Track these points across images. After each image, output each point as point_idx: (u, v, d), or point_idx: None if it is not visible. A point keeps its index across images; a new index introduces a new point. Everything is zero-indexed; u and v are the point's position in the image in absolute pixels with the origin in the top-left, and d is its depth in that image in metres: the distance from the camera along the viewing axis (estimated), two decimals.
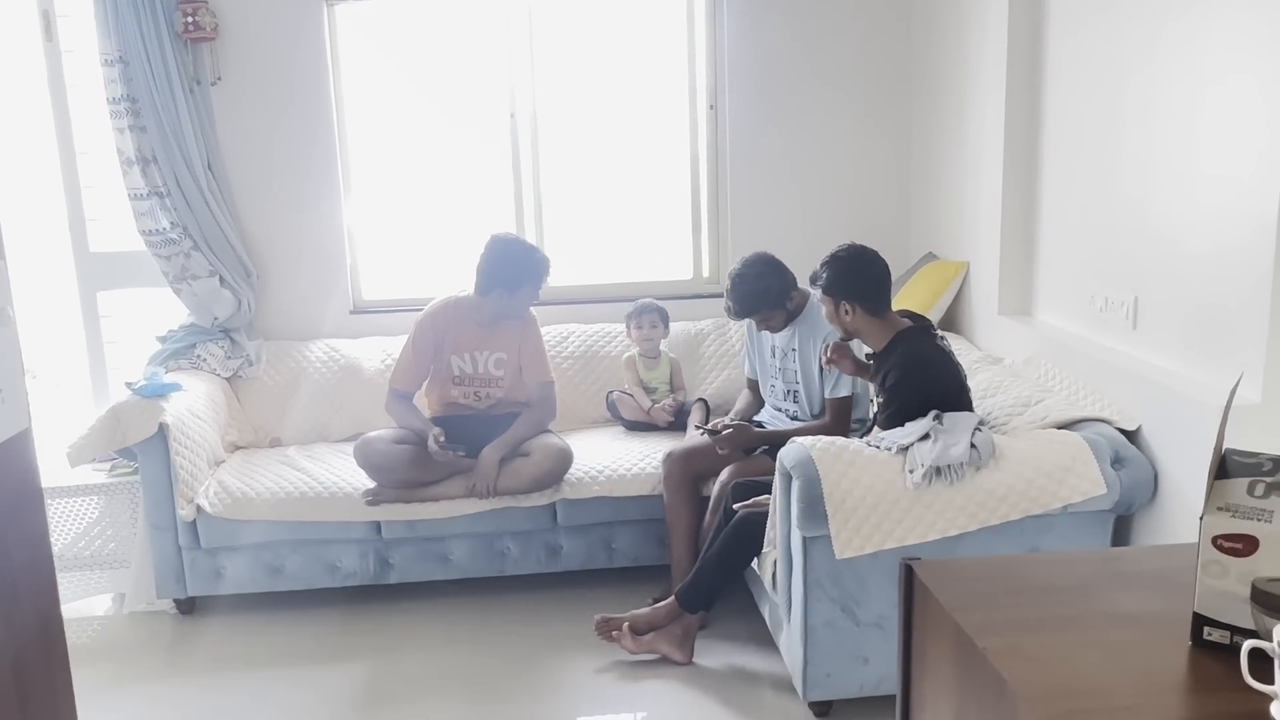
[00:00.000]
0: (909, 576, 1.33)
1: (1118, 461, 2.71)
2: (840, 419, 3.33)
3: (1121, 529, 2.83)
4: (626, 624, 3.14)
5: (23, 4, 3.90)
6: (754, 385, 3.69)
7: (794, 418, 3.46)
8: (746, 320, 3.57)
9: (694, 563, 3.31)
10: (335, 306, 4.20)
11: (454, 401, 3.69)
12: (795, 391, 3.45)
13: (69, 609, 3.69)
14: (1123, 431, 2.78)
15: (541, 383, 3.69)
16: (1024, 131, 3.41)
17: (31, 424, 1.26)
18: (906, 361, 2.87)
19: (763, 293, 3.32)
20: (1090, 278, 3.10)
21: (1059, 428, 2.82)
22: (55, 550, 3.61)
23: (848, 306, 2.95)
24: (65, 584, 3.65)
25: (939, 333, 3.02)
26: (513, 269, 3.53)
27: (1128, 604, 1.24)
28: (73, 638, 3.51)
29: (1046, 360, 3.21)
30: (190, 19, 3.78)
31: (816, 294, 3.06)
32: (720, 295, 4.26)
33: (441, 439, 3.44)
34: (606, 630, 3.18)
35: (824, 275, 2.99)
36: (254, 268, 4.05)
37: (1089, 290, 3.10)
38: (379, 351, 4.07)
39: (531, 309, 3.73)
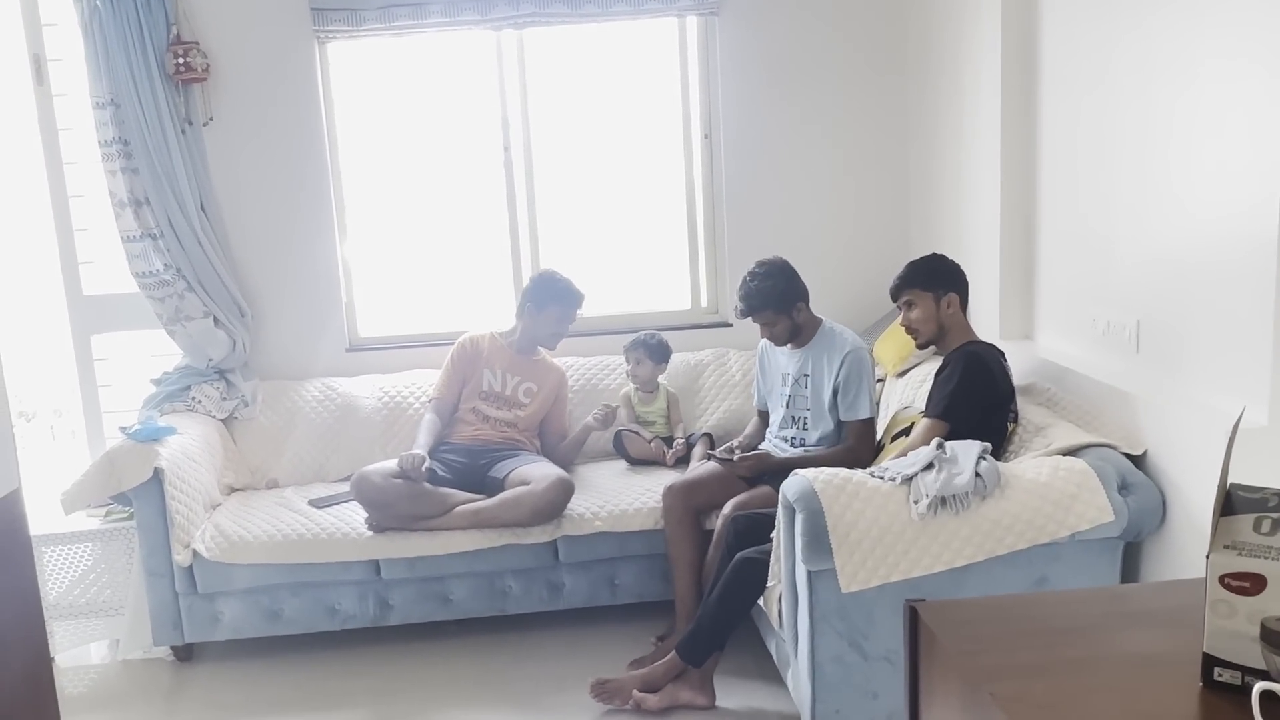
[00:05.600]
0: (914, 619, 1.29)
1: (1125, 487, 2.67)
2: (863, 441, 3.31)
3: (1131, 556, 2.78)
4: (636, 689, 3.08)
5: (13, 48, 3.90)
6: (764, 415, 3.66)
7: (799, 444, 3.42)
8: (759, 346, 3.59)
9: (698, 598, 3.26)
10: (331, 345, 4.17)
11: (477, 408, 3.80)
12: (803, 418, 3.41)
13: (64, 658, 3.65)
14: (1129, 457, 2.74)
15: (560, 433, 3.92)
16: (1020, 156, 3.39)
17: (21, 485, 1.23)
18: (968, 358, 2.97)
19: (769, 291, 3.31)
20: (1091, 301, 3.07)
21: (1064, 454, 2.78)
22: (49, 599, 3.59)
23: (950, 299, 3.07)
24: (60, 633, 3.61)
25: (1006, 360, 3.07)
26: (543, 289, 3.78)
27: (1137, 644, 1.20)
28: (68, 687, 3.48)
29: (1050, 385, 3.17)
30: (181, 60, 3.78)
31: (907, 297, 3.10)
32: (719, 325, 4.28)
33: (425, 466, 3.49)
34: (603, 692, 3.11)
35: (923, 271, 3.10)
36: (248, 308, 4.02)
37: (1090, 314, 3.07)
38: (375, 389, 4.04)
39: (563, 371, 3.95)
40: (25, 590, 1.28)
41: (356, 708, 3.22)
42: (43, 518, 3.63)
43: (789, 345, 3.44)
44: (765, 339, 3.46)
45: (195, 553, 3.40)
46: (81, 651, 3.73)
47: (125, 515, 3.59)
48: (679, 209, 4.34)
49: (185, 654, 3.59)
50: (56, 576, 3.61)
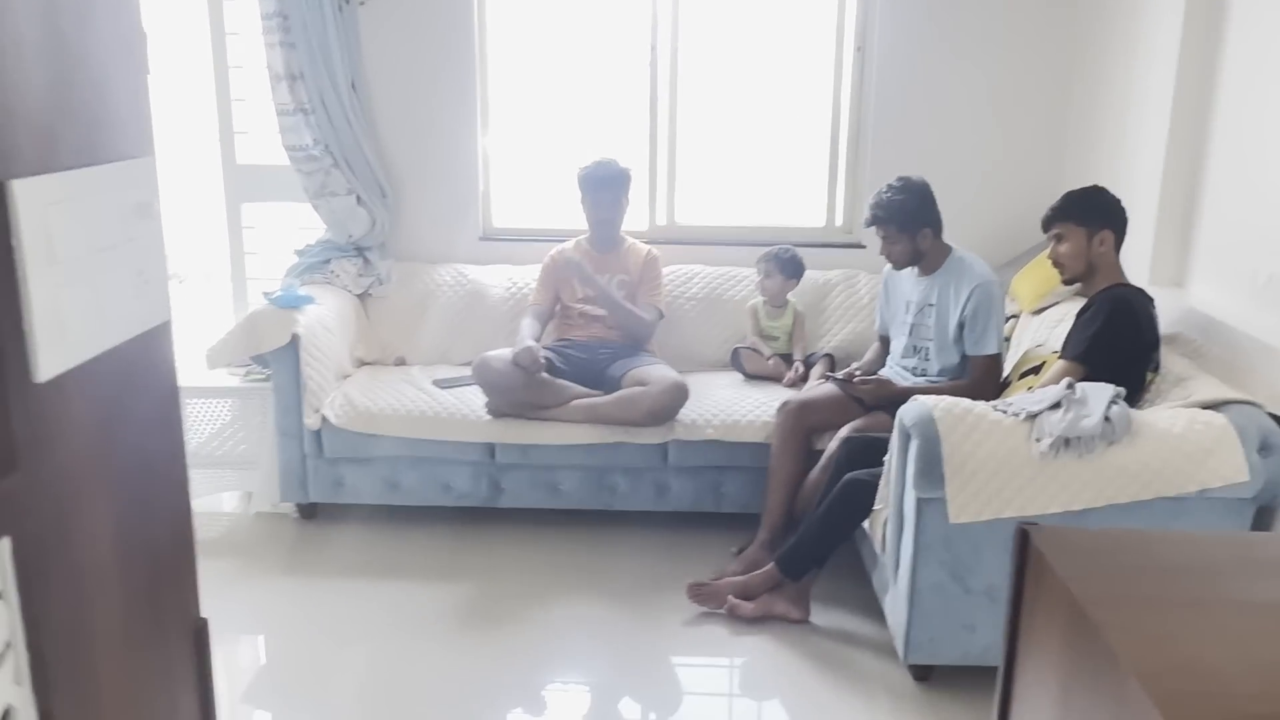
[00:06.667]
0: (1024, 542, 1.26)
1: (1265, 448, 2.54)
2: (988, 377, 3.21)
3: (1262, 520, 2.65)
4: (732, 596, 3.12)
5: None
6: (885, 340, 3.59)
7: (920, 374, 3.35)
8: (884, 269, 3.51)
9: (788, 515, 3.29)
10: (466, 232, 4.25)
11: (584, 312, 3.83)
12: (925, 348, 3.34)
13: (199, 504, 3.90)
14: (1275, 418, 2.59)
15: (651, 306, 3.84)
16: (1196, 89, 3.18)
17: (171, 319, 1.28)
18: (1115, 301, 2.83)
19: (898, 207, 3.22)
20: (1255, 252, 2.89)
21: (1203, 408, 2.65)
22: (190, 447, 3.81)
23: (1104, 236, 2.91)
24: (197, 480, 3.85)
25: (1154, 307, 2.92)
26: (581, 182, 3.79)
27: (1263, 593, 1.15)
28: (202, 532, 3.71)
29: (1196, 336, 3.02)
30: None
31: (1061, 231, 2.95)
32: (852, 246, 4.19)
33: (542, 359, 3.53)
34: (699, 595, 3.16)
35: (1080, 203, 2.94)
36: (390, 188, 4.12)
37: (1251, 265, 2.89)
38: (505, 279, 4.12)
39: (655, 250, 3.89)
40: (173, 423, 1.34)
41: (461, 581, 3.36)
42: (190, 372, 3.86)
43: (915, 272, 3.35)
44: (883, 256, 3.36)
45: (324, 418, 3.56)
46: (216, 500, 3.97)
47: (263, 377, 3.77)
48: (823, 123, 4.23)
49: (309, 512, 3.79)
50: (198, 427, 3.84)
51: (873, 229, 3.31)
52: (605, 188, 3.76)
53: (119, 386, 1.14)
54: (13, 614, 0.97)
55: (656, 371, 3.56)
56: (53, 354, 0.99)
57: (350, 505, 3.74)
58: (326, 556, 3.54)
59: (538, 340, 3.73)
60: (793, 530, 3.23)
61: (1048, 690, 1.20)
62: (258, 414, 3.83)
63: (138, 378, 1.18)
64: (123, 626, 1.16)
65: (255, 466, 3.83)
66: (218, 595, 3.20)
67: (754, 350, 3.89)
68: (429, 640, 3.02)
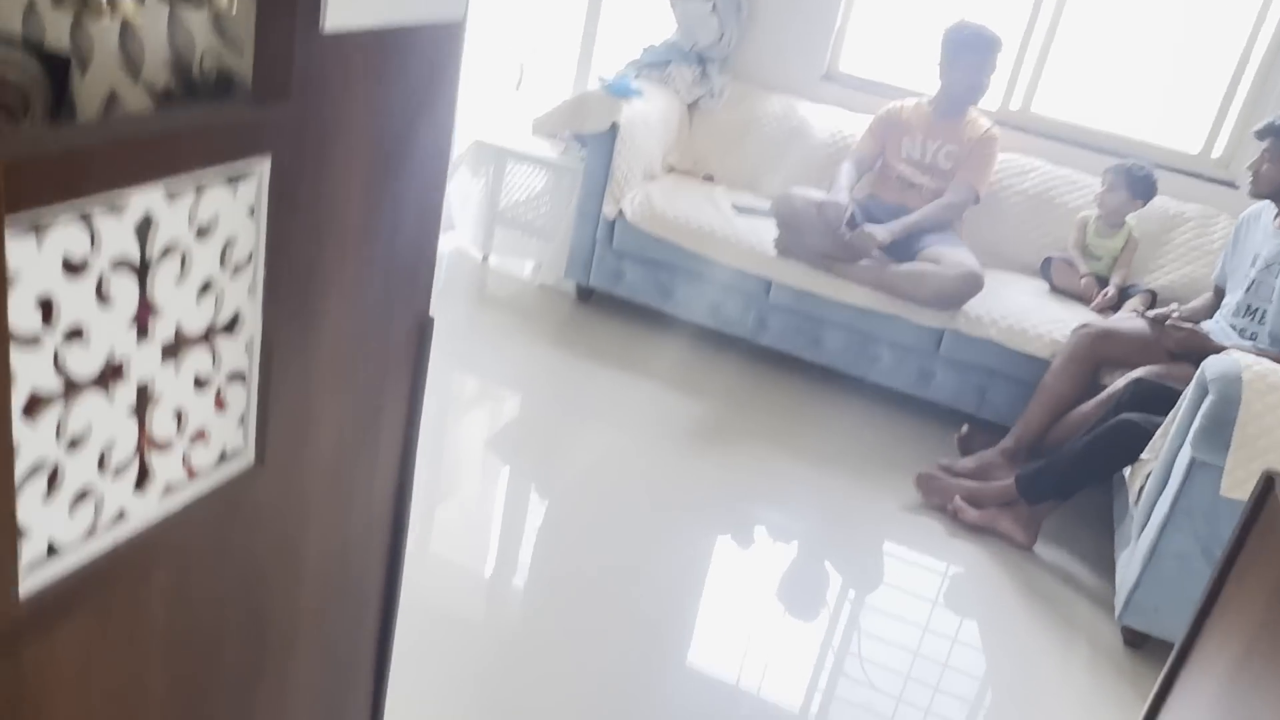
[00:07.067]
0: (1265, 491, 1.11)
1: None
2: None
3: None
4: (960, 497, 3.00)
5: None
6: (1220, 291, 3.21)
7: (1248, 337, 2.98)
8: (1241, 215, 3.13)
9: (1040, 435, 3.11)
10: (809, 68, 4.12)
11: (902, 175, 3.69)
12: (1261, 310, 2.95)
13: (497, 261, 4.19)
14: None
15: (968, 184, 3.61)
16: None
17: (465, 19, 1.29)
18: None
19: None
20: None
21: None
22: (501, 206, 4.08)
23: None
24: (500, 239, 4.14)
25: None
26: (952, 41, 3.57)
27: None
28: (491, 286, 4.01)
29: None
30: None
31: None
32: (1222, 183, 3.73)
33: (849, 215, 3.42)
34: (927, 487, 3.06)
35: None
36: (747, 4, 4.04)
37: None
38: (833, 124, 3.98)
39: (995, 130, 3.61)
40: (441, 121, 1.32)
41: (703, 399, 3.43)
42: (519, 137, 4.08)
43: (1276, 224, 2.92)
44: (1248, 171, 2.94)
45: (621, 211, 3.67)
46: (516, 263, 4.24)
47: (578, 157, 3.92)
48: (1235, 43, 3.69)
49: (585, 295, 3.97)
50: (512, 191, 4.08)
51: (1263, 144, 2.91)
52: (976, 51, 3.52)
53: (397, 65, 1.21)
54: (259, 229, 1.08)
55: (955, 255, 3.38)
56: (341, 9, 1.06)
57: (623, 299, 3.88)
58: (589, 339, 3.72)
59: (852, 189, 3.63)
60: (1039, 454, 3.04)
61: (1227, 653, 1.07)
62: (566, 192, 4.00)
63: (417, 64, 1.24)
64: (352, 286, 1.27)
65: (550, 240, 4.04)
66: (489, 346, 3.51)
67: (1069, 264, 3.59)
68: (656, 443, 3.13)
